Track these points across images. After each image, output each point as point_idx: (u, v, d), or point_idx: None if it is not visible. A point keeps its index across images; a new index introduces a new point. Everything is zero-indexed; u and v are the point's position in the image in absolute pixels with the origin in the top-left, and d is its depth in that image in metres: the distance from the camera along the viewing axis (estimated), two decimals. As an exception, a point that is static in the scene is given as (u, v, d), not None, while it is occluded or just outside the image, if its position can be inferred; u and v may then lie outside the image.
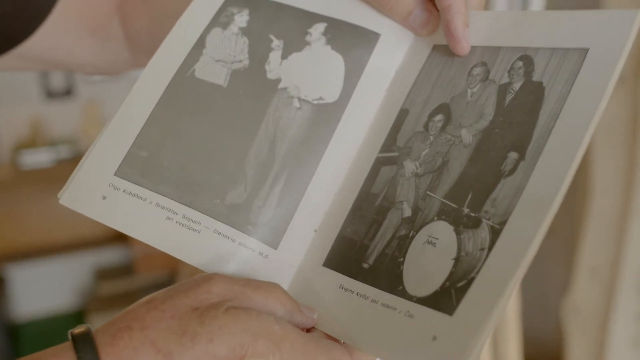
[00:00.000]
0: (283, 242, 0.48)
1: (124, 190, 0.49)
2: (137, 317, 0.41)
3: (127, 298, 2.85)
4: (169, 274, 2.85)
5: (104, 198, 0.49)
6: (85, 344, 0.39)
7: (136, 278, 2.89)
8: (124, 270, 2.98)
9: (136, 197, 0.49)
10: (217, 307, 0.41)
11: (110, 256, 3.05)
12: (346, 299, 0.46)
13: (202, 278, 0.43)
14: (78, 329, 0.41)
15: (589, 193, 1.65)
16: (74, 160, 2.84)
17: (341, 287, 0.46)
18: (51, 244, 2.86)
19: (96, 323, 2.73)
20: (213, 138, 0.51)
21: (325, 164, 0.50)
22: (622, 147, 1.57)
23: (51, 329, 2.91)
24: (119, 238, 2.91)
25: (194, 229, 0.48)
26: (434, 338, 0.40)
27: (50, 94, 2.87)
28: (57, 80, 2.85)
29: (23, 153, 2.77)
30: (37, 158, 2.78)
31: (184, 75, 0.53)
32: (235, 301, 0.42)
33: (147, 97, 0.52)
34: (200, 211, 0.48)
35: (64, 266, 3.04)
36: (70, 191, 0.50)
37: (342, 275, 0.47)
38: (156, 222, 0.48)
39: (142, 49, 0.69)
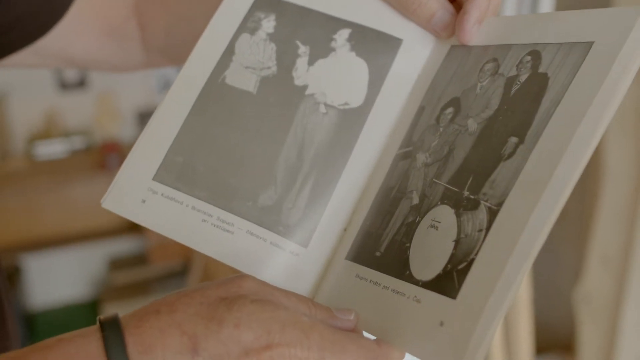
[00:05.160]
0: (313, 241, 0.50)
1: (162, 194, 0.52)
2: (166, 302, 0.42)
3: (141, 288, 2.87)
4: (183, 263, 2.87)
5: (144, 202, 0.52)
6: (111, 326, 0.40)
7: (150, 268, 2.91)
8: (138, 260, 3.00)
9: (173, 200, 0.51)
10: (246, 296, 0.42)
11: (124, 246, 3.08)
12: (361, 287, 0.47)
13: (235, 276, 0.44)
14: (106, 315, 0.42)
15: (601, 181, 1.65)
16: (88, 151, 2.86)
17: (357, 276, 0.48)
18: (65, 234, 2.89)
19: (110, 312, 2.74)
20: (245, 143, 0.53)
21: (352, 166, 0.52)
22: (633, 135, 1.58)
23: (66, 319, 2.94)
24: (133, 228, 2.93)
25: (228, 230, 0.50)
26: (441, 323, 0.41)
27: (64, 86, 2.89)
28: (71, 72, 2.87)
29: (37, 144, 2.79)
30: (52, 149, 2.80)
31: (216, 82, 0.55)
32: (264, 298, 0.43)
33: (182, 104, 0.54)
34: (233, 213, 0.51)
35: (78, 256, 3.06)
36: (112, 195, 0.52)
37: (358, 265, 0.48)
38: (192, 225, 0.51)
39: (158, 50, 0.71)
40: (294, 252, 0.50)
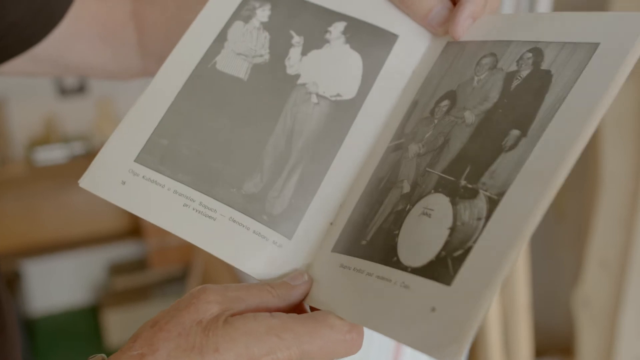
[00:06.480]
0: (297, 233, 0.49)
1: (143, 177, 0.50)
2: (146, 342, 0.42)
3: (141, 293, 2.87)
4: (183, 268, 2.87)
5: (123, 183, 0.50)
6: None
7: (150, 273, 2.91)
8: (138, 265, 3.00)
9: (155, 183, 0.50)
10: (217, 319, 0.42)
11: (124, 251, 3.08)
12: (344, 276, 0.46)
13: (197, 291, 0.44)
14: (93, 359, 0.43)
15: (599, 185, 1.65)
16: (88, 156, 2.86)
17: (341, 265, 0.47)
18: (65, 239, 2.89)
19: (110, 317, 2.75)
20: (232, 129, 0.51)
21: (341, 158, 0.51)
22: (631, 139, 1.58)
23: (66, 324, 2.94)
24: (133, 233, 2.93)
25: (210, 217, 0.49)
26: (433, 309, 0.40)
27: (64, 91, 2.89)
28: (70, 78, 2.87)
29: (37, 150, 2.79)
30: (51, 154, 2.80)
31: (206, 67, 0.54)
32: (232, 307, 0.44)
33: (169, 87, 0.53)
34: (216, 199, 0.49)
35: (78, 261, 3.07)
36: (90, 175, 0.51)
37: (343, 255, 0.47)
38: (173, 209, 0.49)
39: (156, 55, 0.70)
40: (277, 242, 0.49)
